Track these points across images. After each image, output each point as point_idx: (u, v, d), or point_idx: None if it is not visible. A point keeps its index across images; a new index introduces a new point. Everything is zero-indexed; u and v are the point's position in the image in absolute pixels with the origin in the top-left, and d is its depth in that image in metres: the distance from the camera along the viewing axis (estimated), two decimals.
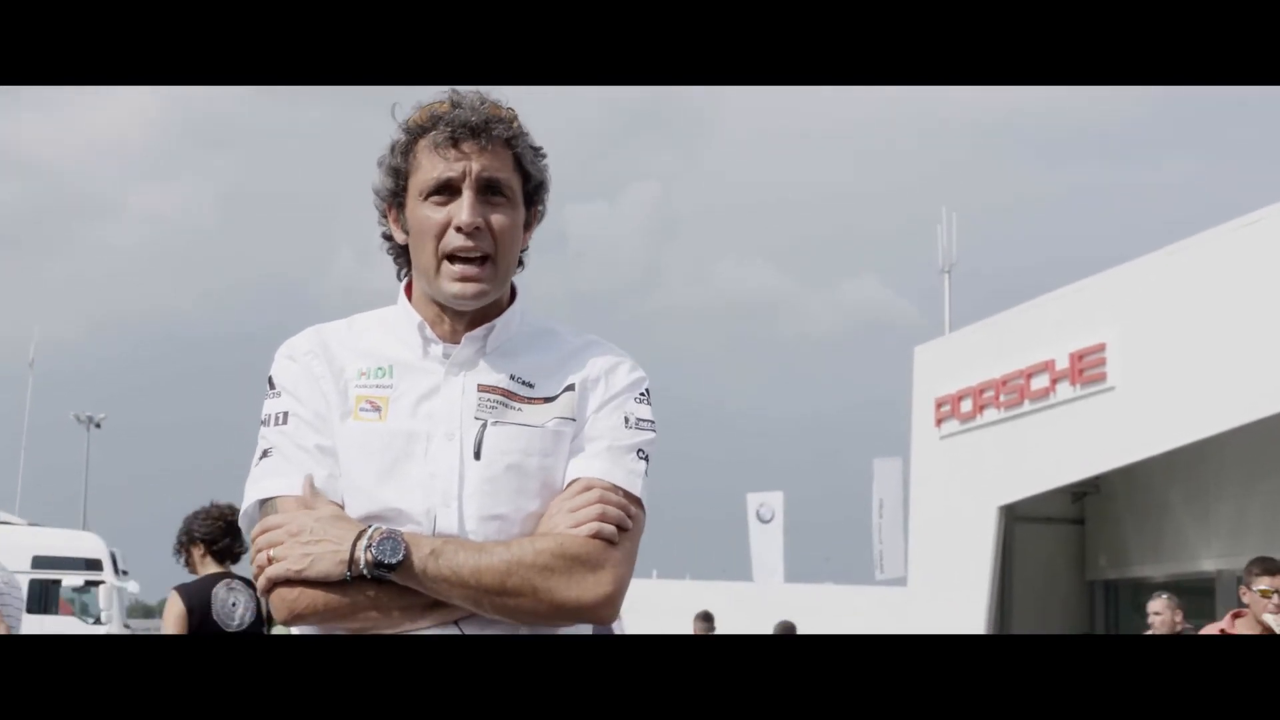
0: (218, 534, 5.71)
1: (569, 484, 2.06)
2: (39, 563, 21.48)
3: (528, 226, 2.15)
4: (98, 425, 39.06)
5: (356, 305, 2.23)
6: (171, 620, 5.58)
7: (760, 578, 28.96)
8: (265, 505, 2.05)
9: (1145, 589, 16.24)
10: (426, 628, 1.97)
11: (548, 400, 2.09)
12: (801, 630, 13.55)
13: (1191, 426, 12.67)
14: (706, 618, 13.36)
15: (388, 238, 2.17)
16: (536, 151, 2.14)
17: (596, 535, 2.00)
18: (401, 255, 2.16)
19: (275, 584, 1.98)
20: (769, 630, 13.59)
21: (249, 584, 5.73)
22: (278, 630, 5.75)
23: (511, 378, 2.09)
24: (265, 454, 2.08)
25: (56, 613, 21.13)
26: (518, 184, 2.10)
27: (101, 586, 21.50)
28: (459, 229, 2.04)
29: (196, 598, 5.59)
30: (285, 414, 2.08)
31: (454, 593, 1.95)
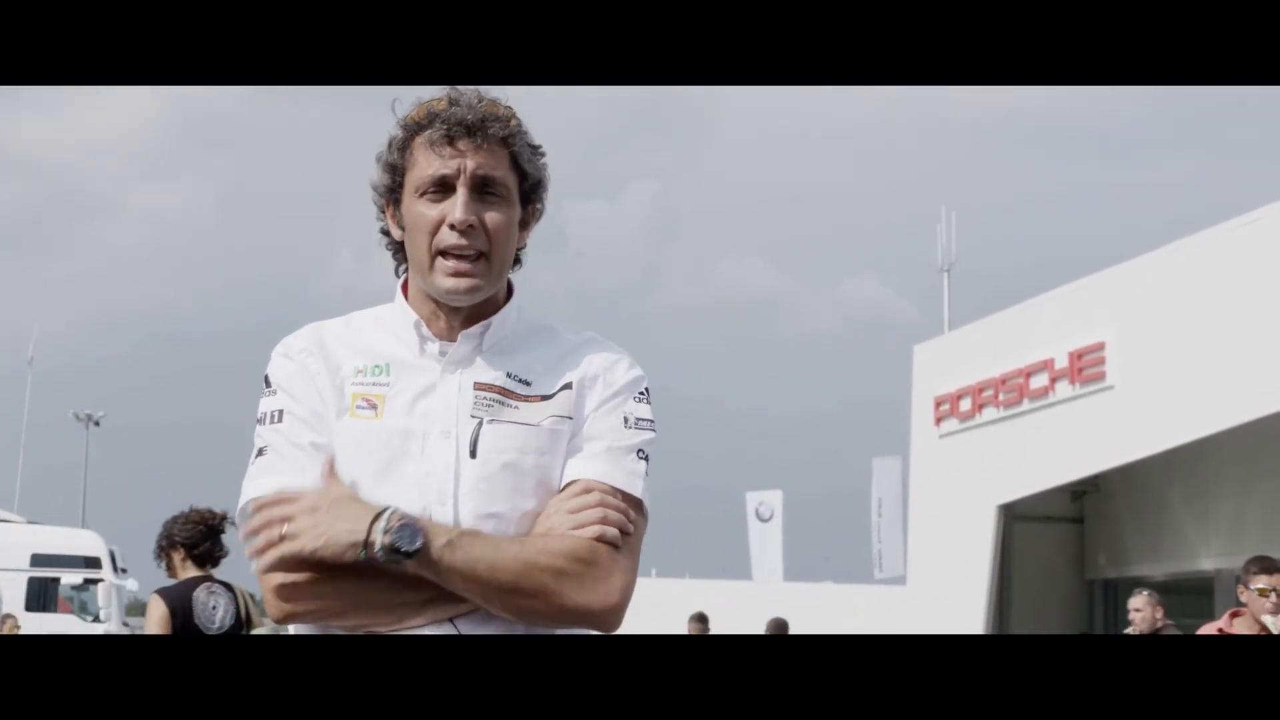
0: (198, 538, 5.75)
1: (568, 484, 2.06)
2: (38, 561, 21.51)
3: (525, 225, 2.15)
4: (97, 423, 39.07)
5: (356, 305, 2.23)
6: (154, 623, 5.64)
7: (759, 576, 28.96)
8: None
9: (1144, 588, 16.25)
10: (422, 626, 1.97)
11: (545, 398, 2.09)
12: (797, 629, 13.55)
13: (1191, 425, 12.67)
14: (701, 619, 13.36)
15: (386, 234, 2.18)
16: (534, 150, 2.13)
17: (599, 539, 2.00)
18: (400, 251, 2.16)
19: (280, 565, 1.94)
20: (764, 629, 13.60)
21: (229, 587, 5.80)
22: (258, 632, 5.80)
23: (508, 375, 2.08)
24: (261, 452, 2.08)
25: (55, 611, 21.15)
26: (513, 182, 2.10)
27: (100, 585, 21.52)
28: (453, 226, 2.04)
29: (178, 601, 5.63)
30: (281, 412, 2.08)
31: (466, 586, 1.95)
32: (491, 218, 2.06)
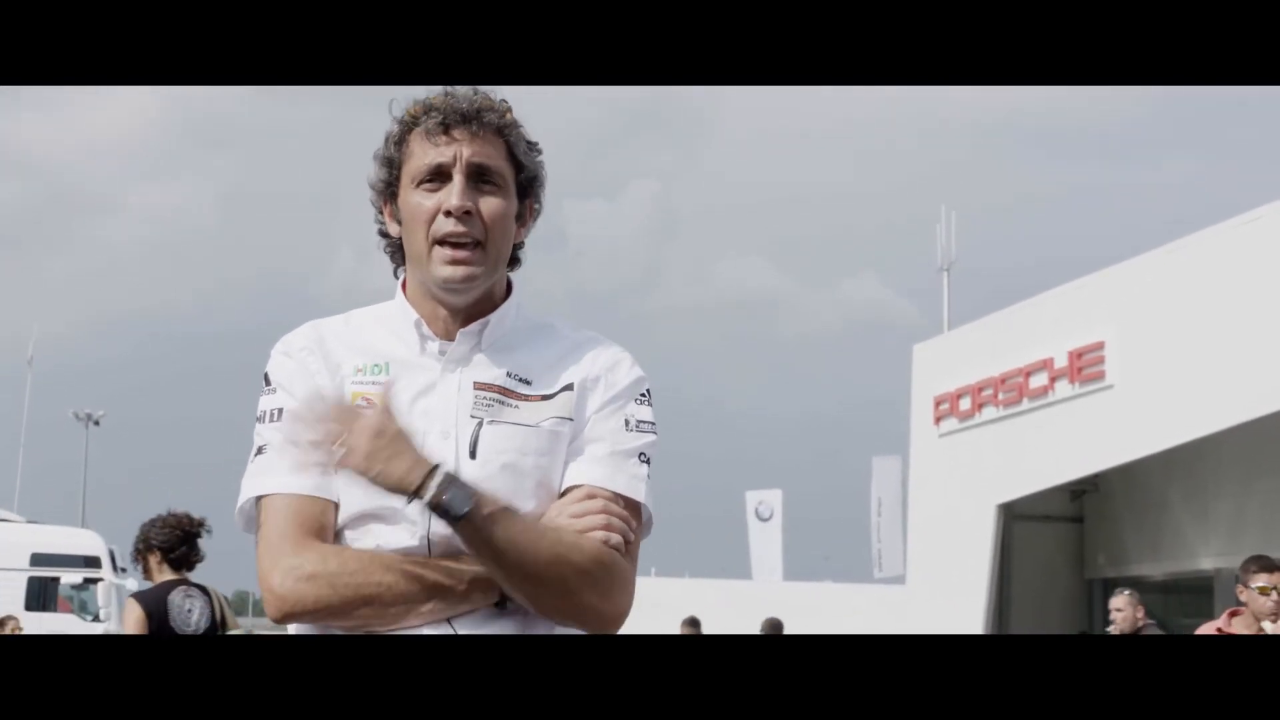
0: (174, 542, 5.78)
1: (570, 489, 2.05)
2: (38, 560, 21.50)
3: (523, 220, 2.15)
4: (96, 423, 39.08)
5: (356, 304, 2.23)
6: (130, 626, 5.69)
7: (759, 576, 28.98)
8: (261, 502, 2.05)
9: (1144, 587, 16.19)
10: (420, 626, 1.97)
11: (545, 398, 2.08)
12: (797, 628, 13.55)
13: (1190, 425, 12.67)
14: (693, 624, 13.38)
15: (384, 234, 2.18)
16: (531, 145, 2.14)
17: (605, 545, 2.01)
18: (399, 252, 2.16)
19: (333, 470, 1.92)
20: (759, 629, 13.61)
21: (205, 591, 5.84)
22: (233, 633, 5.83)
23: (508, 374, 2.08)
24: (260, 450, 2.08)
25: (55, 610, 21.14)
26: (510, 173, 2.10)
27: (100, 584, 21.51)
28: (448, 213, 2.04)
29: (153, 604, 5.68)
30: (280, 410, 2.08)
31: (494, 562, 1.94)
32: (488, 205, 2.06)
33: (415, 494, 1.90)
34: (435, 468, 1.91)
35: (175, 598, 5.69)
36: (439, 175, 2.06)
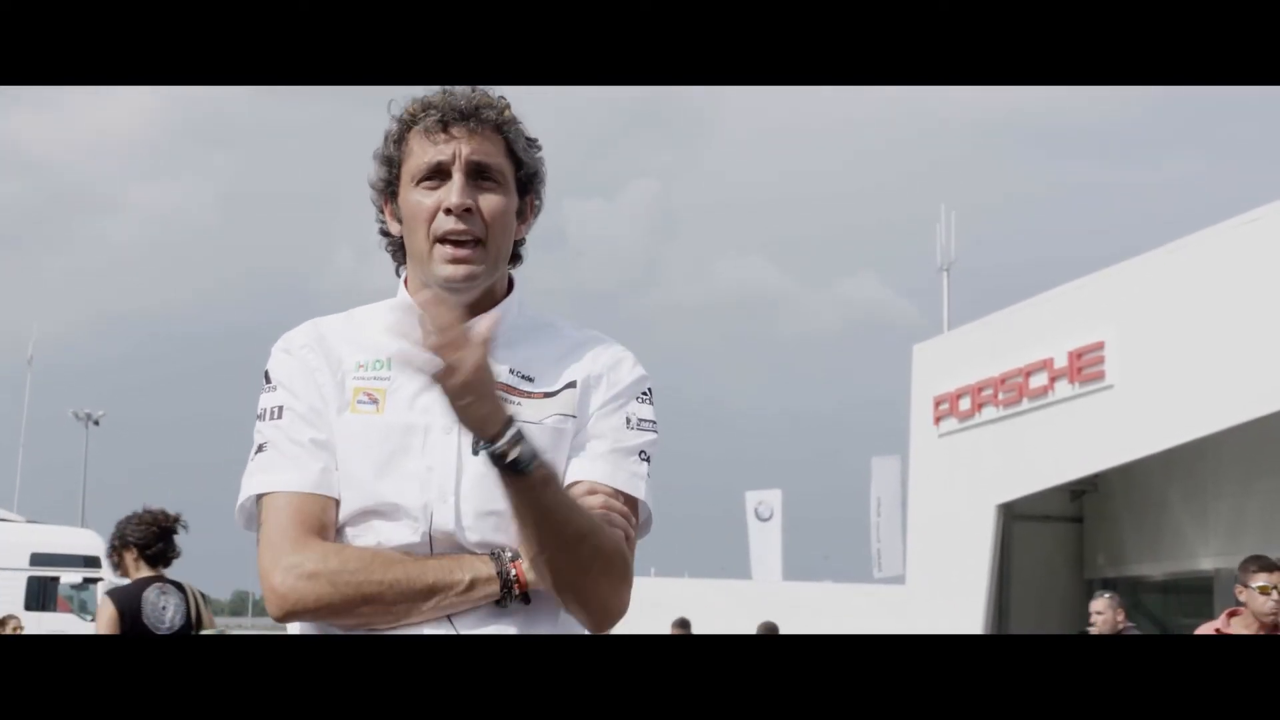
0: (151, 539, 5.80)
1: (571, 485, 2.05)
2: (37, 560, 21.52)
3: (523, 217, 2.15)
4: (96, 422, 39.10)
5: (356, 304, 2.23)
6: (104, 624, 5.71)
7: (759, 575, 29.01)
8: (261, 500, 2.05)
9: (1144, 587, 16.27)
10: (420, 623, 1.97)
11: (548, 395, 2.08)
12: (796, 628, 13.56)
13: (1190, 425, 12.67)
14: (683, 624, 13.40)
15: (385, 233, 2.18)
16: (530, 142, 2.14)
17: None
18: (400, 251, 2.16)
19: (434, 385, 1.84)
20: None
21: (180, 587, 5.84)
22: (208, 632, 5.84)
23: (511, 371, 2.08)
24: (260, 449, 2.08)
25: (54, 609, 21.15)
26: (509, 170, 2.10)
27: (100, 583, 21.49)
28: (448, 211, 2.04)
29: (126, 602, 5.69)
30: (280, 408, 2.08)
31: (535, 525, 1.91)
32: (488, 202, 2.06)
33: (491, 440, 1.87)
34: (511, 419, 1.89)
35: (150, 595, 5.70)
36: (438, 173, 2.06)
